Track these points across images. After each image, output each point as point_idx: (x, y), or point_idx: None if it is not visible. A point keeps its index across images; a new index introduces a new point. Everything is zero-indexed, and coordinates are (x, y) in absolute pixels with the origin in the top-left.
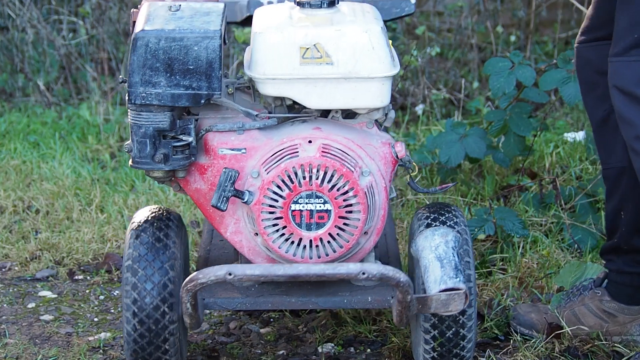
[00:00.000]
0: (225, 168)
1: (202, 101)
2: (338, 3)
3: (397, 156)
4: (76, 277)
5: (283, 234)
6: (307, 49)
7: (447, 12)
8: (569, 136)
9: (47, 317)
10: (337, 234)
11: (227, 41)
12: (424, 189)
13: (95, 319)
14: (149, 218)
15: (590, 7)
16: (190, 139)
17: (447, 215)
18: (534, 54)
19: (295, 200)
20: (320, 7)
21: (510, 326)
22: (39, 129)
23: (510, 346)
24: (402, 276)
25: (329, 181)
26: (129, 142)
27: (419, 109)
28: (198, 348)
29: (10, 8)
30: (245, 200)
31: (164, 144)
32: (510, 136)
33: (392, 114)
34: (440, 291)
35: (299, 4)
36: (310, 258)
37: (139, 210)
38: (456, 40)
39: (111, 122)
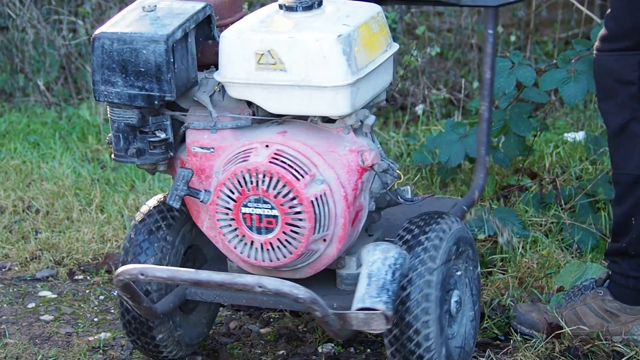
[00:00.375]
0: (181, 167)
1: (156, 102)
2: (320, 6)
3: (363, 164)
4: (76, 277)
5: (237, 235)
6: (262, 54)
7: (447, 12)
8: (569, 136)
9: (47, 317)
10: (286, 239)
11: (217, 38)
12: (406, 198)
13: (95, 319)
14: (154, 206)
15: (608, 16)
16: (164, 135)
17: (424, 229)
18: (534, 54)
19: (244, 203)
20: (296, 10)
21: (510, 326)
22: (39, 129)
23: (510, 346)
24: (300, 292)
25: (274, 188)
26: (110, 134)
27: (419, 109)
28: (198, 348)
29: (10, 8)
30: (202, 199)
31: (140, 138)
32: (510, 136)
33: (369, 120)
34: (357, 309)
35: (279, 6)
36: (263, 261)
37: (152, 198)
38: (456, 40)
39: None
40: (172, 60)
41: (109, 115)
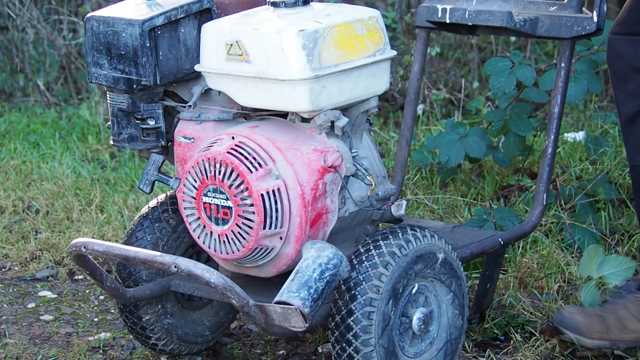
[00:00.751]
0: (153, 154)
1: (135, 86)
2: (305, 4)
3: (324, 164)
4: (76, 277)
5: (199, 225)
6: (231, 45)
7: None
8: (569, 136)
9: (47, 317)
10: (239, 232)
11: None
12: (375, 205)
13: (95, 319)
14: (169, 193)
15: (626, 4)
16: (153, 123)
17: (377, 249)
18: (534, 54)
19: (205, 192)
20: (279, 6)
21: (510, 326)
22: (39, 129)
23: (510, 346)
24: (213, 277)
25: (229, 178)
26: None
27: (419, 109)
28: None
29: (10, 8)
30: (171, 186)
31: (133, 124)
32: (510, 136)
33: (340, 122)
34: (275, 302)
35: (267, 2)
36: (221, 253)
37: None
38: (456, 40)
39: None
40: (148, 44)
41: (107, 100)
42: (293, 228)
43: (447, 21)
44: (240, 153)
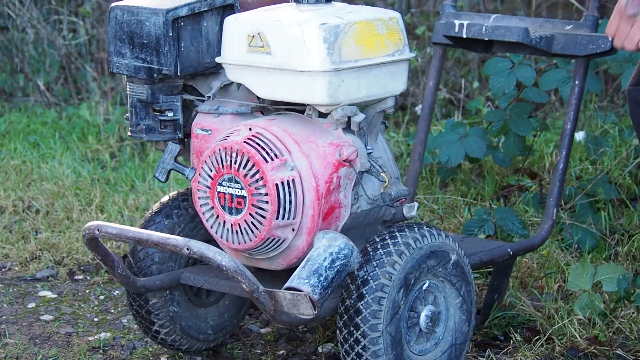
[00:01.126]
0: (170, 142)
1: (155, 75)
2: (328, 1)
3: (339, 157)
4: (76, 277)
5: (213, 214)
6: (253, 37)
7: None
8: None
9: (47, 317)
10: (252, 222)
11: None
12: (387, 202)
13: (95, 319)
14: (176, 194)
15: None
16: (171, 115)
17: (393, 239)
18: None
19: (220, 182)
20: (302, 2)
21: (511, 326)
22: (39, 129)
23: (510, 346)
24: (225, 260)
25: (244, 167)
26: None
27: (419, 109)
28: (199, 347)
29: (10, 8)
30: (187, 175)
31: (151, 116)
32: (510, 136)
33: (357, 117)
34: (285, 288)
35: None
36: (233, 243)
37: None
38: None
39: (111, 122)
40: (171, 34)
41: (127, 91)
42: (305, 220)
43: (464, 36)
44: (257, 143)
